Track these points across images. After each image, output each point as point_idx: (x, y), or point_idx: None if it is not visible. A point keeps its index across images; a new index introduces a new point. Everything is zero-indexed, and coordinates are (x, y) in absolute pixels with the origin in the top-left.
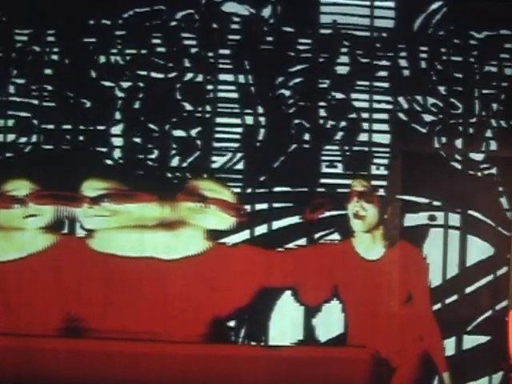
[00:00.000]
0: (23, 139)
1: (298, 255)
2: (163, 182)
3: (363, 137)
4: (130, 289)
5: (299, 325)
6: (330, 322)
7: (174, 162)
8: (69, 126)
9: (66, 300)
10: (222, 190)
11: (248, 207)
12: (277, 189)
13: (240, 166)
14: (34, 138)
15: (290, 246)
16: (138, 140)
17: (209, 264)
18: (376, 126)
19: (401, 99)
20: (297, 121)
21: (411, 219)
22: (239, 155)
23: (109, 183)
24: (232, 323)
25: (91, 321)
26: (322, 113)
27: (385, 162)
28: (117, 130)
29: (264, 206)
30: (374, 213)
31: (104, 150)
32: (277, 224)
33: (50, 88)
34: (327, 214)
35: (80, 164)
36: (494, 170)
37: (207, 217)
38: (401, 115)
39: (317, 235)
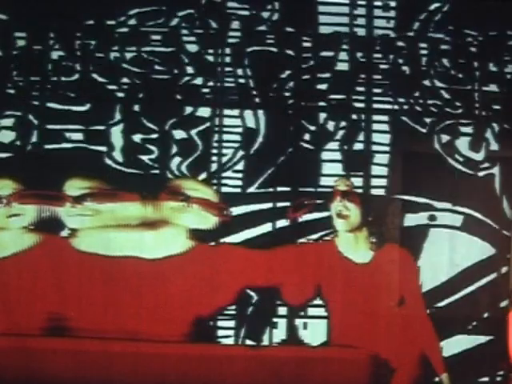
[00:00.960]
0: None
1: (281, 254)
2: (146, 181)
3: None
4: (112, 288)
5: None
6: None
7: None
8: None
9: (48, 299)
10: (205, 189)
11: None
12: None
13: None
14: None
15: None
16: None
17: (191, 263)
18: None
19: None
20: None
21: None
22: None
23: (92, 182)
24: (215, 322)
25: (74, 320)
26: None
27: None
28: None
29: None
30: (357, 212)
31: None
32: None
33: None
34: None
35: (63, 163)
36: (494, 170)
37: (190, 216)
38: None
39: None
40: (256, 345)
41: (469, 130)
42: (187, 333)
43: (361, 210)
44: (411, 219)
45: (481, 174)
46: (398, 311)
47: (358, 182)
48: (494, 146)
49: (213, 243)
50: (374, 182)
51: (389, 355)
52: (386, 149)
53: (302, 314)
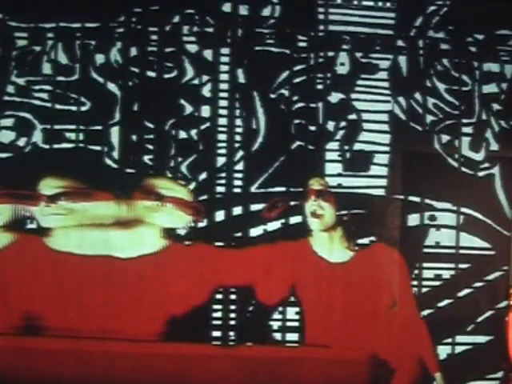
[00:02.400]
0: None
1: (255, 253)
2: (120, 180)
3: None
4: (86, 287)
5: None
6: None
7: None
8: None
9: (23, 298)
10: (179, 188)
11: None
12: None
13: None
14: None
15: None
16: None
17: (165, 262)
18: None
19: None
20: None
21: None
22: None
23: (66, 181)
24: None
25: (48, 319)
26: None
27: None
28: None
29: None
30: (332, 212)
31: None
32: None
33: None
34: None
35: (38, 162)
36: (494, 170)
37: (164, 215)
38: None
39: None
40: (231, 344)
41: (469, 130)
42: (161, 332)
43: (335, 209)
44: (411, 219)
45: (481, 174)
46: (377, 311)
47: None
48: (494, 146)
49: (187, 242)
50: (375, 182)
51: (364, 355)
52: (386, 149)
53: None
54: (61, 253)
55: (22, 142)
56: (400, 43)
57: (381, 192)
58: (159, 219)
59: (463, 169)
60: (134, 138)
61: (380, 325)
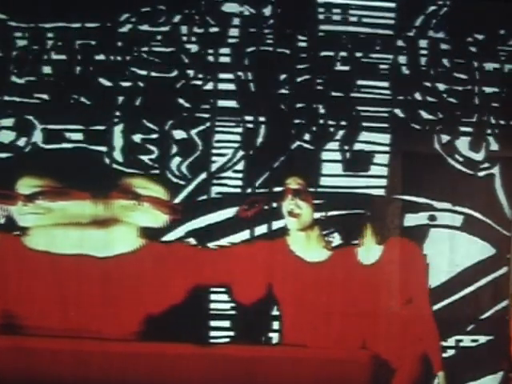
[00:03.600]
0: None
1: (232, 253)
2: (97, 179)
3: None
4: (64, 286)
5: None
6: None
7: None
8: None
9: (1, 297)
10: (156, 187)
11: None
12: None
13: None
14: None
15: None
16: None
17: (142, 261)
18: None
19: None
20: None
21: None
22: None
23: (43, 181)
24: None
25: (26, 318)
26: None
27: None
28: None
29: None
30: (309, 211)
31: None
32: None
33: None
34: None
35: (16, 161)
36: (494, 170)
37: (140, 214)
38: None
39: None
40: (206, 343)
41: (469, 130)
42: (137, 331)
43: (313, 208)
44: (411, 219)
45: (481, 174)
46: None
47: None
48: (494, 146)
49: (164, 241)
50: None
51: (342, 355)
52: (386, 149)
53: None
54: (38, 252)
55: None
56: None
57: (381, 192)
58: (136, 218)
59: (463, 169)
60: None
61: (360, 323)
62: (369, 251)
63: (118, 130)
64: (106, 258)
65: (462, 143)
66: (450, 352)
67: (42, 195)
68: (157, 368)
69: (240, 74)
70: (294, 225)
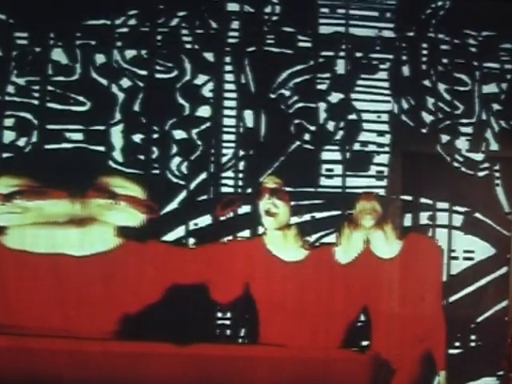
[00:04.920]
0: None
1: (209, 252)
2: (74, 178)
3: None
4: (41, 285)
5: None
6: None
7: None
8: None
9: None
10: (133, 186)
11: None
12: None
13: None
14: None
15: None
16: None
17: (118, 260)
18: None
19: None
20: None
21: None
22: None
23: (21, 180)
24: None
25: (4, 317)
26: None
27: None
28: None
29: None
30: (286, 210)
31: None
32: None
33: None
34: None
35: None
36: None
37: (117, 213)
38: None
39: None
40: (184, 343)
41: (469, 130)
42: (114, 330)
43: (289, 207)
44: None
45: (481, 174)
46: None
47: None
48: (494, 146)
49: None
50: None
51: (319, 354)
52: (386, 149)
53: None
54: (15, 251)
55: None
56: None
57: (381, 192)
58: (113, 217)
59: (463, 169)
60: None
61: (335, 323)
62: (388, 246)
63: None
64: (82, 257)
65: (462, 143)
66: (451, 351)
67: (19, 195)
68: (133, 367)
69: None
70: (270, 224)
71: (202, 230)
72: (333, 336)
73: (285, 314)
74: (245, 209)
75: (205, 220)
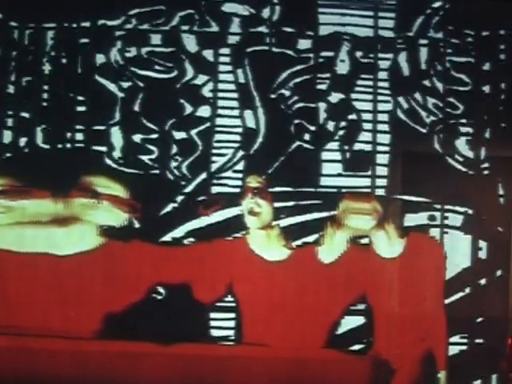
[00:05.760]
0: None
1: (192, 251)
2: (57, 178)
3: None
4: (24, 284)
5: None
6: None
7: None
8: None
9: None
10: (115, 185)
11: None
12: None
13: None
14: None
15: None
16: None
17: (102, 260)
18: None
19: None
20: None
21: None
22: None
23: (4, 180)
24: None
25: None
26: None
27: None
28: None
29: None
30: (269, 210)
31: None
32: None
33: None
34: None
35: None
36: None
37: (100, 213)
38: None
39: None
40: (167, 342)
41: (469, 130)
42: (97, 330)
43: (272, 207)
44: (411, 219)
45: (481, 174)
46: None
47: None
48: (494, 146)
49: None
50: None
51: (303, 354)
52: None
53: None
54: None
55: None
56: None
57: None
58: (96, 217)
59: (463, 169)
60: None
61: (318, 322)
62: (390, 245)
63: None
64: (66, 256)
65: (462, 143)
66: (452, 351)
67: (2, 194)
68: (117, 366)
69: None
70: (253, 223)
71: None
72: (316, 336)
73: (268, 313)
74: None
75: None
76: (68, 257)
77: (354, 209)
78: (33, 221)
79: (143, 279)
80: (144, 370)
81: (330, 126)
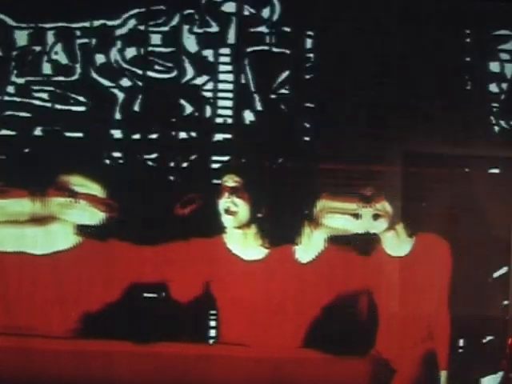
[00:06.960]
0: None
1: (169, 250)
2: (34, 177)
3: None
4: (2, 284)
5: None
6: None
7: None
8: None
9: None
10: (92, 184)
11: None
12: None
13: None
14: None
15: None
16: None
17: (78, 259)
18: None
19: None
20: None
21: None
22: None
23: None
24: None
25: None
26: None
27: None
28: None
29: None
30: (246, 209)
31: None
32: None
33: None
34: None
35: None
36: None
37: (77, 212)
38: None
39: None
40: (144, 341)
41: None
42: (75, 329)
43: (249, 206)
44: None
45: (482, 173)
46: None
47: None
48: (494, 146)
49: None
50: None
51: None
52: None
53: None
54: None
55: None
56: None
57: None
58: (72, 216)
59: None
60: None
61: (296, 322)
62: (399, 244)
63: None
64: (42, 256)
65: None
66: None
67: None
68: (93, 365)
69: None
70: (230, 223)
71: None
72: (293, 335)
73: (245, 312)
74: None
75: None
76: (45, 256)
77: (331, 208)
78: (10, 220)
79: (120, 279)
80: (121, 369)
81: None
